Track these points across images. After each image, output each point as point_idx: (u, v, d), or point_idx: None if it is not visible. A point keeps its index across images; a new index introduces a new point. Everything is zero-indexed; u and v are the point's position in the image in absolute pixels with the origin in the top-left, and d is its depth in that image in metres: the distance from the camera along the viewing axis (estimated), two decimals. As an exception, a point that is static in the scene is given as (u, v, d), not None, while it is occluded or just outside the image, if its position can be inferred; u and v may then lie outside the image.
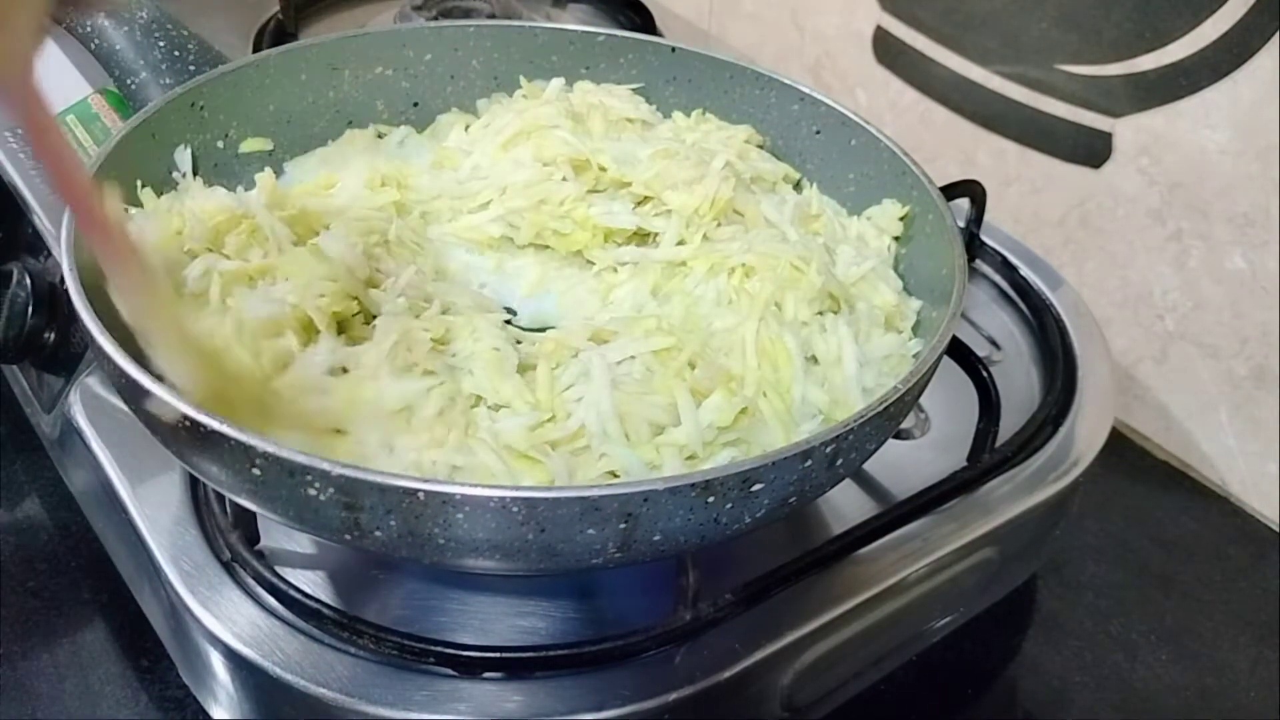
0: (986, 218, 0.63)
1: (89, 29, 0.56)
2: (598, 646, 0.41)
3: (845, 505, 0.50)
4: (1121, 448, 0.69)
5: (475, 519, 0.34)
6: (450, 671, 0.41)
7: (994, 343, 0.61)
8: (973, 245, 0.63)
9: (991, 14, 0.71)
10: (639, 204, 0.55)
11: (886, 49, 0.80)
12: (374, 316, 0.46)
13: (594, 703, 0.40)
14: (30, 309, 0.54)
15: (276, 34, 0.79)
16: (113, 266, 0.38)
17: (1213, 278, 0.64)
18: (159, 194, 0.51)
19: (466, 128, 0.60)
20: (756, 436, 0.43)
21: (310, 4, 0.84)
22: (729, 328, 0.47)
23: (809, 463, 0.37)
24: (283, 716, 0.42)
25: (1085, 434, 0.54)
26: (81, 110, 0.63)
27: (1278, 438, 0.64)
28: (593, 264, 0.53)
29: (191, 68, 0.56)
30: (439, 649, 0.41)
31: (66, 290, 0.40)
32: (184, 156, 0.53)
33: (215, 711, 0.46)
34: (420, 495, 0.34)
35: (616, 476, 0.41)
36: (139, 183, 0.50)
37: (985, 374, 0.54)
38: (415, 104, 0.61)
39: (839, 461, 0.39)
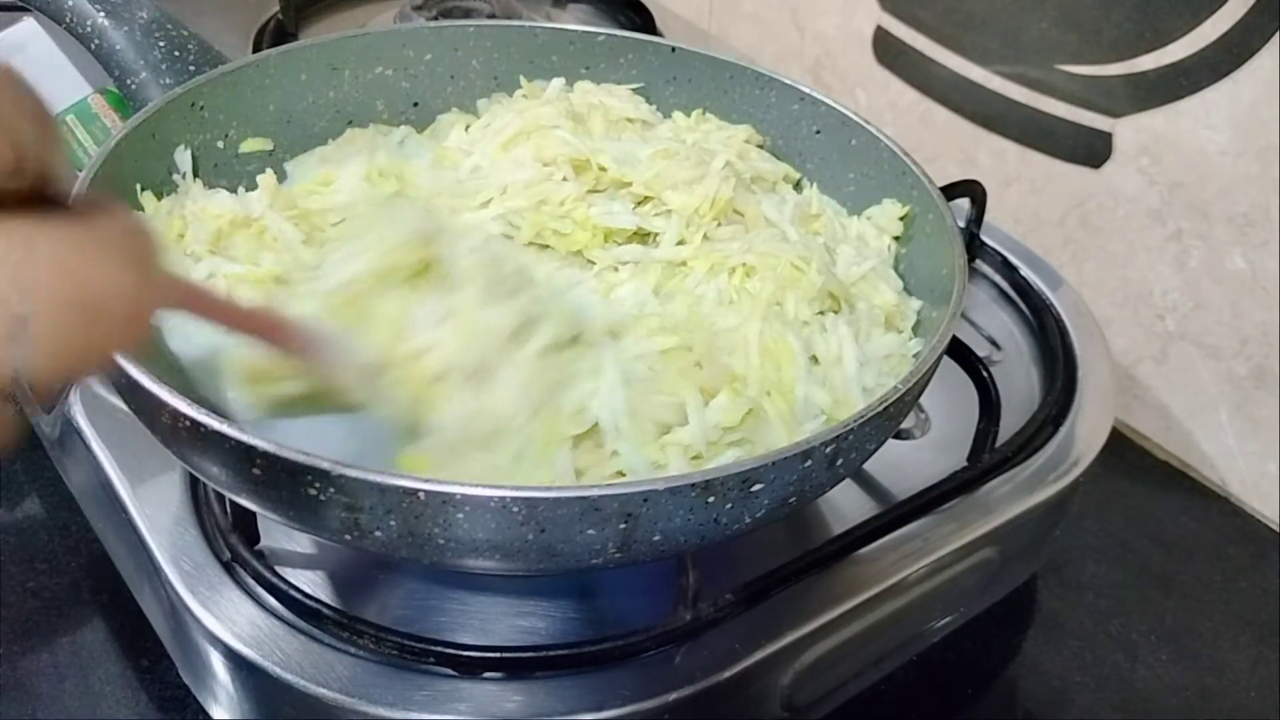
0: (986, 218, 0.63)
1: (89, 29, 0.56)
2: (598, 646, 0.41)
3: (845, 505, 0.50)
4: (1121, 448, 0.69)
5: (475, 519, 0.34)
6: (450, 671, 0.41)
7: (994, 343, 0.61)
8: (973, 245, 0.63)
9: (991, 14, 0.71)
10: (639, 204, 0.55)
11: (886, 49, 0.80)
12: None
13: (594, 703, 0.40)
14: (30, 309, 0.54)
15: (276, 34, 0.80)
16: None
17: (1213, 278, 0.64)
18: (159, 195, 0.51)
19: (467, 128, 0.60)
20: (760, 437, 0.43)
21: (310, 4, 0.84)
22: (732, 327, 0.47)
23: (809, 463, 0.37)
24: (283, 716, 0.42)
25: (1085, 434, 0.54)
26: (81, 110, 0.63)
27: (1278, 438, 0.64)
28: (593, 264, 0.53)
29: (191, 68, 0.56)
30: (439, 649, 0.41)
31: (66, 290, 0.40)
32: (184, 157, 0.53)
33: (215, 711, 0.46)
34: (420, 495, 0.34)
35: (623, 476, 0.41)
36: (138, 186, 0.50)
37: (985, 374, 0.54)
38: (415, 104, 0.61)
39: (839, 461, 0.39)
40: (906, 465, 0.52)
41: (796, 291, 0.49)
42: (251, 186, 0.54)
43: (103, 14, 0.56)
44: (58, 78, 0.66)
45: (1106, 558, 0.61)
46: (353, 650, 0.41)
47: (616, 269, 0.53)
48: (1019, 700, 0.54)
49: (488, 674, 0.41)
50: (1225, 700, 0.54)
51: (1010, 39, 0.70)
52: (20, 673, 0.50)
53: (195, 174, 0.53)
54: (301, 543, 0.47)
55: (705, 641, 0.43)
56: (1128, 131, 0.66)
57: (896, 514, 0.49)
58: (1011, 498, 0.51)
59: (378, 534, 0.36)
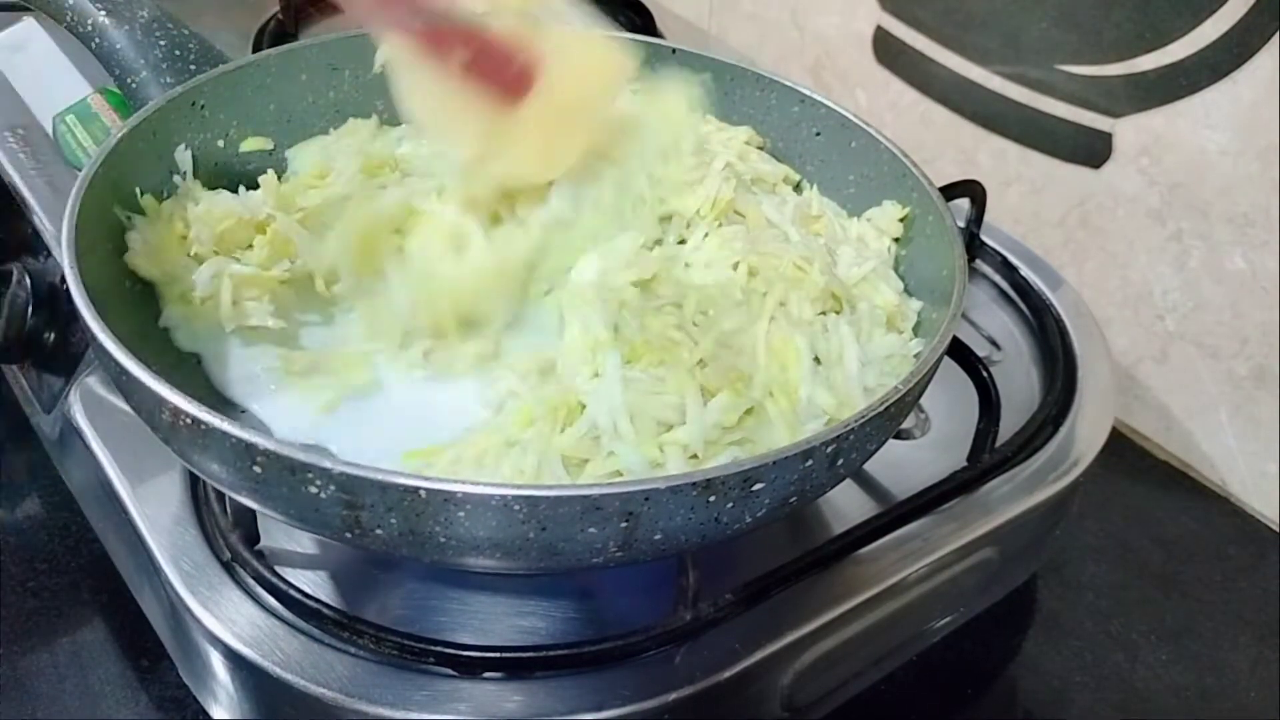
0: (986, 218, 0.63)
1: (89, 28, 0.56)
2: (598, 646, 0.41)
3: (845, 505, 0.50)
4: (1121, 448, 0.69)
5: (476, 517, 0.34)
6: (450, 671, 0.41)
7: (994, 343, 0.61)
8: (973, 245, 0.63)
9: (991, 14, 0.71)
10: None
11: (886, 49, 0.80)
12: None
13: (594, 703, 0.40)
14: (30, 309, 0.54)
15: (276, 34, 0.79)
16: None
17: (1213, 278, 0.64)
18: (159, 197, 0.51)
19: None
20: (761, 436, 0.43)
21: (310, 4, 0.84)
22: (739, 327, 0.47)
23: (810, 462, 0.37)
24: (283, 716, 0.42)
25: (1085, 434, 0.54)
26: (81, 110, 0.63)
27: (1278, 438, 0.64)
28: None
29: (192, 68, 0.56)
30: (439, 649, 0.41)
31: (67, 290, 0.40)
32: (184, 156, 0.53)
33: (215, 711, 0.46)
34: (421, 493, 0.34)
35: (619, 474, 0.41)
36: (138, 190, 0.50)
37: (985, 374, 0.54)
38: (415, 104, 0.61)
39: (840, 461, 0.39)
40: (906, 465, 0.52)
41: (799, 292, 0.49)
42: (251, 185, 0.54)
43: (103, 13, 0.56)
44: (58, 78, 0.66)
45: (1106, 558, 0.61)
46: (353, 650, 0.41)
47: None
48: (1019, 700, 0.54)
49: (488, 674, 0.41)
50: (1225, 700, 0.54)
51: (1010, 39, 0.71)
52: (20, 673, 0.50)
53: (195, 174, 0.53)
54: (301, 543, 0.47)
55: (705, 641, 0.42)
56: (1128, 131, 0.66)
57: (896, 514, 0.49)
58: (1011, 498, 0.51)
59: (378, 532, 0.36)
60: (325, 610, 0.42)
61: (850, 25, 0.82)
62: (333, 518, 0.35)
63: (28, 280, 0.54)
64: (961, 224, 0.58)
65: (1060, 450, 0.53)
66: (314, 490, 0.35)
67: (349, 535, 0.36)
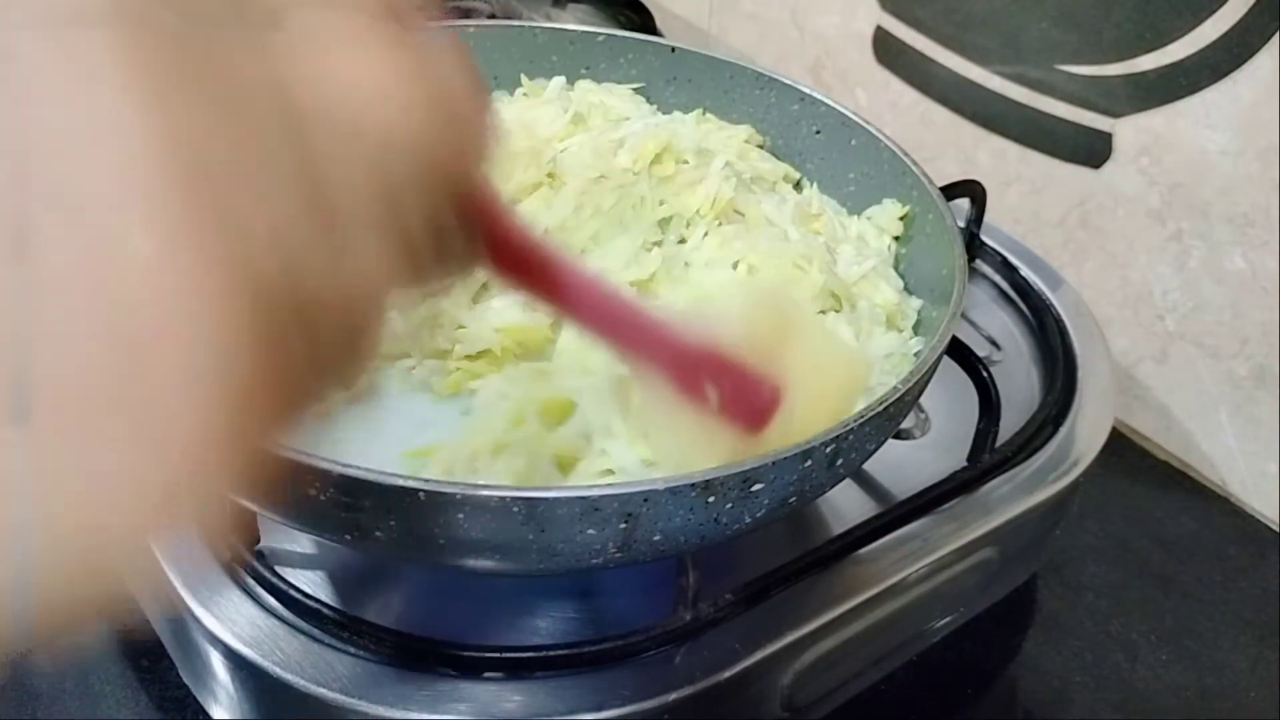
0: (986, 218, 0.63)
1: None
2: (598, 646, 0.41)
3: (845, 505, 0.50)
4: (1121, 448, 0.69)
5: (476, 519, 0.34)
6: (450, 671, 0.41)
7: (994, 343, 0.61)
8: (973, 245, 0.63)
9: (991, 14, 0.71)
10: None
11: (886, 49, 0.80)
12: None
13: (594, 703, 0.40)
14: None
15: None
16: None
17: (1213, 278, 0.64)
18: None
19: None
20: None
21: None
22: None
23: (809, 462, 0.37)
24: (283, 716, 0.42)
25: (1085, 434, 0.54)
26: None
27: (1278, 438, 0.64)
28: None
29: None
30: (439, 649, 0.41)
31: (66, 290, 0.40)
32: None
33: (215, 711, 0.46)
34: (420, 495, 0.34)
35: (611, 473, 0.41)
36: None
37: (985, 374, 0.54)
38: (415, 104, 0.61)
39: (839, 461, 0.39)
40: (906, 465, 0.52)
41: (798, 290, 0.49)
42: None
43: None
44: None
45: (1106, 558, 0.61)
46: (353, 650, 0.41)
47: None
48: (1019, 700, 0.54)
49: (488, 674, 0.41)
50: (1225, 700, 0.54)
51: (1010, 39, 0.70)
52: (20, 673, 0.50)
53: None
54: (301, 543, 0.47)
55: (705, 641, 0.42)
56: (1128, 131, 0.66)
57: (896, 514, 0.49)
58: (1011, 498, 0.51)
59: (378, 534, 0.36)
60: (325, 610, 0.42)
61: (850, 25, 0.82)
62: (332, 520, 0.35)
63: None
64: (961, 224, 0.58)
65: (1060, 450, 0.53)
66: (313, 492, 0.35)
67: (348, 537, 0.36)
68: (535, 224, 0.50)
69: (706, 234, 0.53)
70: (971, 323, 0.62)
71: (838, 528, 0.48)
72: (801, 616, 0.44)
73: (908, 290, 0.52)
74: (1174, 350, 0.67)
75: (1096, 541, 0.62)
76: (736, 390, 0.34)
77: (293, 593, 0.42)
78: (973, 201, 0.62)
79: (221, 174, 0.16)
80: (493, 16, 0.80)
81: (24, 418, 0.15)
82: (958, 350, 0.54)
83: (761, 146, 0.60)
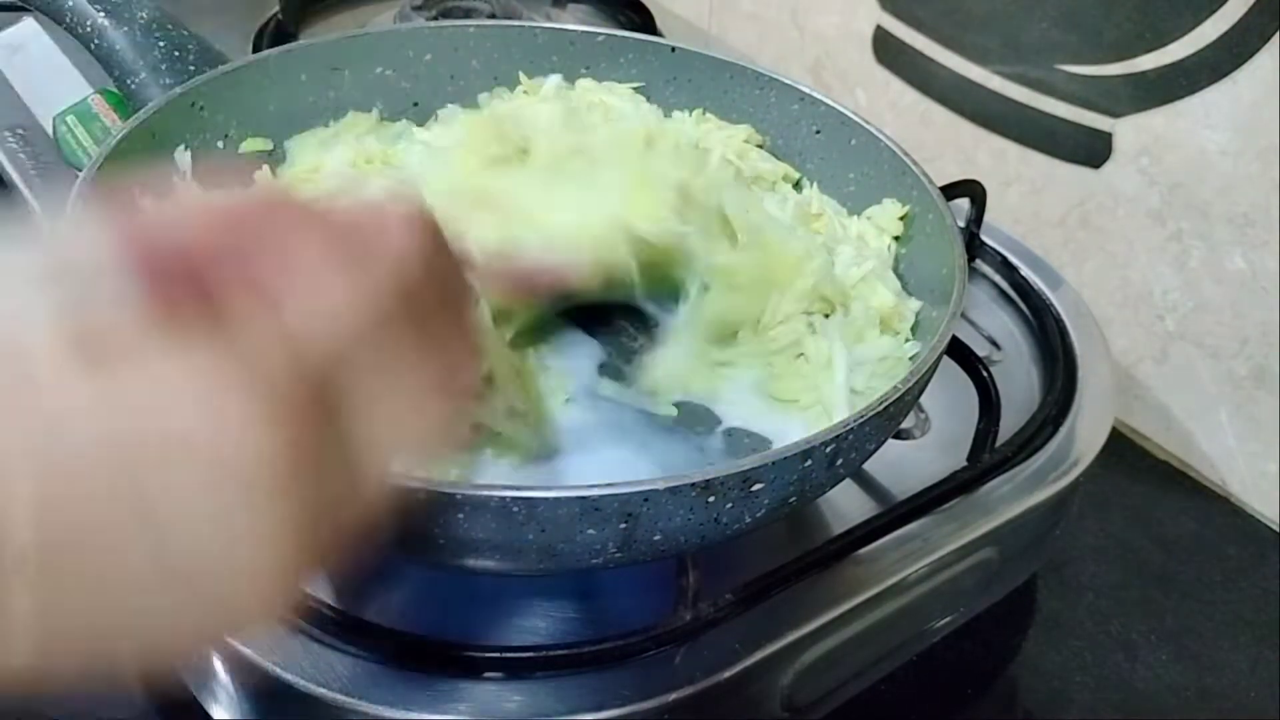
0: (986, 218, 0.63)
1: (89, 29, 0.56)
2: (598, 646, 0.41)
3: (845, 505, 0.50)
4: (1121, 448, 0.69)
5: (475, 519, 0.34)
6: (450, 671, 0.41)
7: (994, 343, 0.61)
8: (973, 245, 0.63)
9: (991, 14, 0.71)
10: None
11: (886, 49, 0.80)
12: None
13: (594, 703, 0.40)
14: (30, 309, 0.54)
15: (276, 34, 0.79)
16: None
17: (1213, 278, 0.64)
18: (159, 198, 0.51)
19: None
20: None
21: (310, 4, 0.84)
22: None
23: (809, 462, 0.37)
24: (283, 716, 0.42)
25: (1085, 434, 0.54)
26: (81, 110, 0.63)
27: (1278, 438, 0.64)
28: None
29: (191, 68, 0.56)
30: (439, 649, 0.41)
31: (66, 290, 0.40)
32: (184, 157, 0.53)
33: (215, 711, 0.46)
34: (420, 495, 0.34)
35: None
36: (138, 191, 0.50)
37: (985, 374, 0.54)
38: (415, 104, 0.61)
39: (839, 461, 0.39)
40: (906, 465, 0.52)
41: (790, 291, 0.49)
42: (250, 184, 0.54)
43: (102, 14, 0.56)
44: (58, 78, 0.66)
45: (1106, 558, 0.61)
46: (353, 650, 0.41)
47: None
48: (1019, 700, 0.54)
49: (488, 674, 0.41)
50: (1225, 700, 0.54)
51: (1010, 39, 0.70)
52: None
53: (194, 175, 0.53)
54: (301, 543, 0.46)
55: (705, 641, 0.42)
56: (1128, 131, 0.66)
57: (896, 514, 0.49)
58: (1011, 498, 0.51)
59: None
60: (325, 610, 0.42)
61: (850, 25, 0.82)
62: (332, 519, 0.35)
63: (28, 280, 0.54)
64: (961, 224, 0.58)
65: (1060, 450, 0.53)
66: (313, 491, 0.35)
67: (349, 536, 0.36)
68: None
69: None
70: (971, 323, 0.62)
71: (838, 528, 0.48)
72: (801, 616, 0.44)
73: (907, 291, 0.52)
74: (1174, 350, 0.67)
75: (1096, 541, 0.62)
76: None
77: (293, 593, 0.42)
78: (973, 201, 0.62)
79: None
80: (493, 16, 0.80)
81: None
82: (958, 350, 0.54)
83: (761, 146, 0.60)
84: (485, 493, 0.34)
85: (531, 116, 0.56)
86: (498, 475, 0.42)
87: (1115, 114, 0.66)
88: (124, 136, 0.48)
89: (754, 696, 0.44)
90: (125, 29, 0.56)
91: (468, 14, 0.80)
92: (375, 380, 0.24)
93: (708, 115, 0.62)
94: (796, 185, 0.60)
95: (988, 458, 0.52)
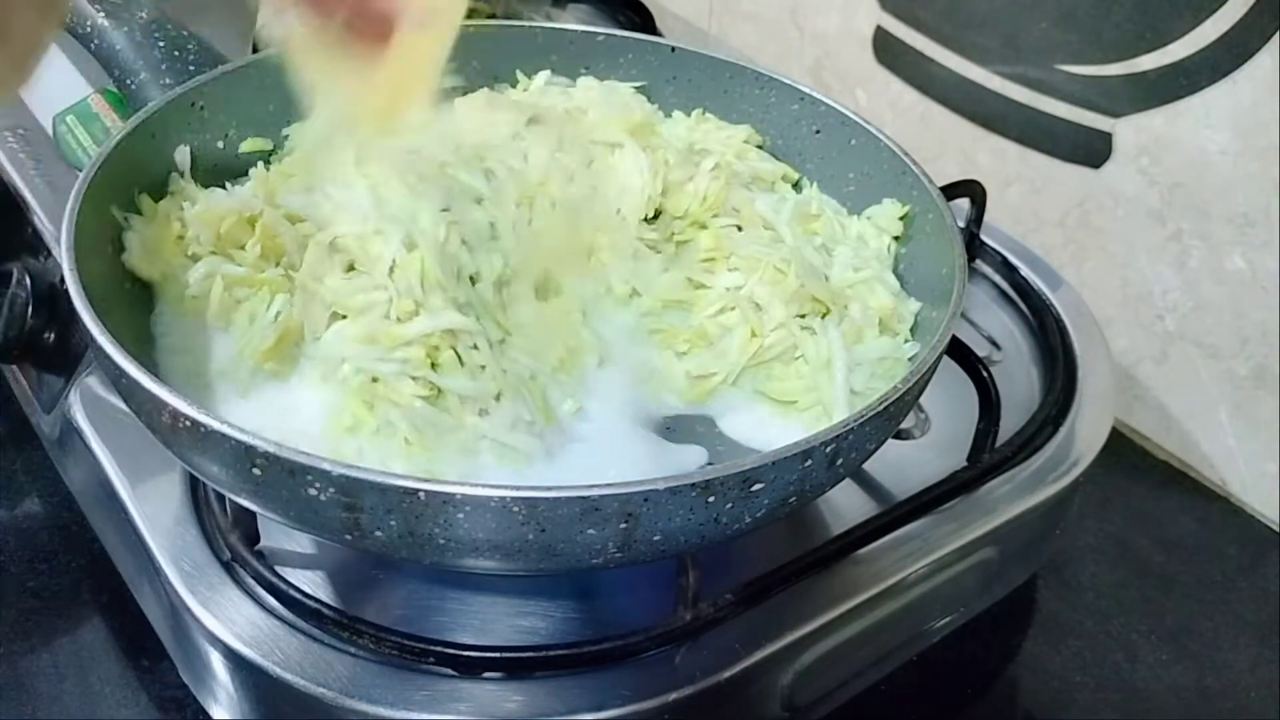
0: (986, 218, 0.63)
1: (89, 29, 0.56)
2: (598, 646, 0.41)
3: (845, 505, 0.50)
4: (1121, 448, 0.69)
5: (476, 519, 0.34)
6: (450, 671, 0.41)
7: (994, 343, 0.61)
8: (973, 245, 0.63)
9: (991, 14, 0.71)
10: None
11: (886, 49, 0.80)
12: None
13: (594, 703, 0.40)
14: (30, 309, 0.54)
15: (276, 34, 0.79)
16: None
17: (1213, 278, 0.64)
18: (158, 197, 0.51)
19: None
20: None
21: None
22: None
23: (809, 462, 0.37)
24: (283, 716, 0.42)
25: (1085, 434, 0.54)
26: (81, 110, 0.63)
27: (1278, 438, 0.64)
28: None
29: (191, 68, 0.56)
30: (439, 649, 0.41)
31: (66, 290, 0.40)
32: (184, 157, 0.53)
33: (215, 711, 0.46)
34: (420, 495, 0.34)
35: None
36: (138, 191, 0.50)
37: (985, 374, 0.54)
38: (415, 104, 0.61)
39: (839, 461, 0.39)
40: (906, 465, 0.52)
41: (776, 292, 0.49)
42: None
43: (102, 14, 0.56)
44: (58, 78, 0.66)
45: (1106, 558, 0.61)
46: (353, 650, 0.41)
47: None
48: (1019, 700, 0.54)
49: (488, 674, 0.41)
50: (1225, 700, 0.54)
51: (1010, 39, 0.70)
52: (20, 673, 0.50)
53: (194, 175, 0.53)
54: (301, 543, 0.47)
55: (705, 641, 0.43)
56: (1128, 131, 0.66)
57: (896, 514, 0.49)
58: (1011, 498, 0.51)
59: (378, 534, 0.36)
60: (325, 610, 0.42)
61: (850, 25, 0.82)
62: (332, 520, 0.35)
63: (28, 280, 0.54)
64: (961, 224, 0.58)
65: (1060, 450, 0.53)
66: (313, 492, 0.35)
67: (348, 537, 0.36)
68: None
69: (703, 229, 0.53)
70: (971, 323, 0.62)
71: (838, 528, 0.48)
72: (801, 616, 0.44)
73: (907, 291, 0.52)
74: (1174, 350, 0.67)
75: (1096, 541, 0.62)
76: (362, 12, 0.38)
77: (293, 593, 0.42)
78: (973, 201, 0.62)
79: None
80: (492, 16, 0.80)
81: None
82: (958, 350, 0.54)
83: (761, 146, 0.60)
84: (485, 493, 0.34)
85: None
86: (501, 478, 0.42)
87: (1115, 114, 0.66)
88: (124, 137, 0.48)
89: (754, 696, 0.44)
90: (125, 29, 0.56)
91: (468, 14, 0.80)
92: None
93: (707, 115, 0.62)
94: (796, 185, 0.60)
95: (988, 458, 0.52)
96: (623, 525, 0.35)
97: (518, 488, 0.34)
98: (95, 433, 0.50)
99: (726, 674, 0.42)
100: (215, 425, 0.35)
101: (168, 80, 0.55)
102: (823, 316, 0.50)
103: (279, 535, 0.46)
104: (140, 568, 0.47)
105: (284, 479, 0.35)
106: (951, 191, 0.61)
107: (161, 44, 0.56)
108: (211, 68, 0.55)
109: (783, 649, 0.43)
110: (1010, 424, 0.54)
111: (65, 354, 0.54)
